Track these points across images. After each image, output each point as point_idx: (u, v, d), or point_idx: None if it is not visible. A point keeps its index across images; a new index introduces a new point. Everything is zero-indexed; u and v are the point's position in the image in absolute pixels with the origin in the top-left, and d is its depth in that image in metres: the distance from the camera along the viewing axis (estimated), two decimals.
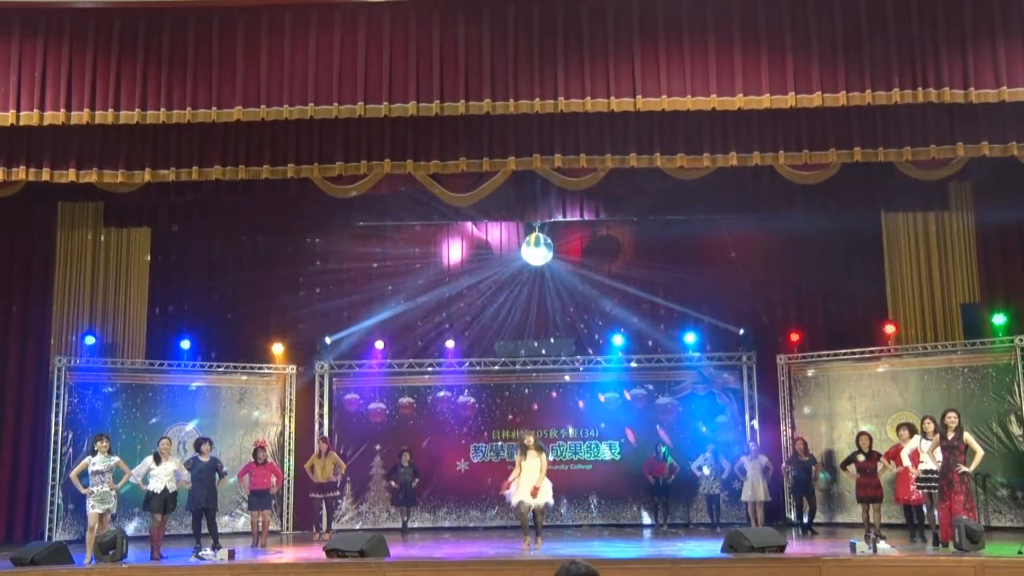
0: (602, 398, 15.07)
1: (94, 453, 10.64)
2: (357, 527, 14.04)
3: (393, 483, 14.09)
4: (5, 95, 9.29)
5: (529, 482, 11.25)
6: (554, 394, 15.19)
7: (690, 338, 15.00)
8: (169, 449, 11.20)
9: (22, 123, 9.35)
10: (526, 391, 15.14)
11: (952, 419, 10.00)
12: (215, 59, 9.43)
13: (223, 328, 15.07)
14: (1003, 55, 9.24)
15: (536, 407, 15.05)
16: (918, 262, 14.20)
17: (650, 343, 15.25)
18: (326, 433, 14.56)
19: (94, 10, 9.48)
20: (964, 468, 9.84)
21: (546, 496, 11.34)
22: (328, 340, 14.92)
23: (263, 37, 9.42)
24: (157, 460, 10.91)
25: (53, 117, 9.34)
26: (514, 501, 11.45)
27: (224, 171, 10.08)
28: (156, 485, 10.81)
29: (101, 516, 10.30)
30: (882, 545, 9.77)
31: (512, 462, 12.23)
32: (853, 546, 9.70)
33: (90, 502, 10.37)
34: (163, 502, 10.81)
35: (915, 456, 10.68)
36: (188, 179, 10.24)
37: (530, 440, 11.38)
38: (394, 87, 9.36)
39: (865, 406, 14.05)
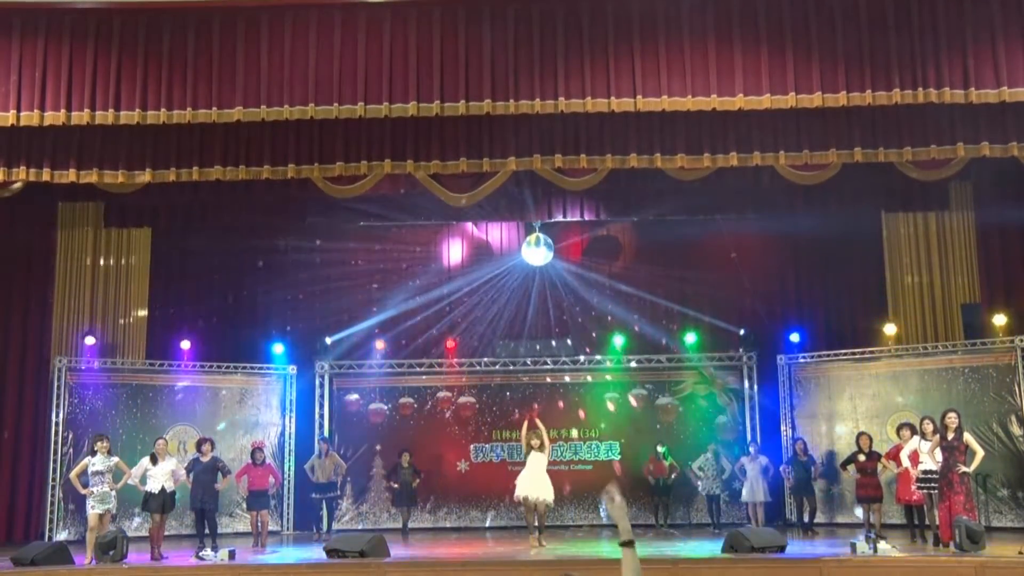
0: (603, 398, 15.07)
1: (94, 453, 10.65)
2: (358, 527, 14.03)
3: (393, 483, 14.08)
4: (5, 95, 9.29)
5: (531, 477, 11.43)
6: (554, 395, 15.17)
7: (690, 338, 15.00)
8: (166, 449, 11.19)
9: (22, 123, 9.35)
10: (526, 392, 15.14)
11: (952, 419, 9.99)
12: (215, 59, 9.43)
13: (223, 328, 15.06)
14: (1003, 55, 9.24)
15: (536, 407, 15.01)
16: (918, 262, 14.19)
17: (650, 343, 15.25)
18: (326, 434, 14.56)
19: (94, 10, 9.48)
20: (964, 468, 9.83)
21: (546, 493, 11.42)
22: (328, 341, 14.91)
23: (263, 37, 9.42)
24: (154, 460, 10.91)
25: (53, 117, 9.34)
26: (516, 495, 11.59)
27: (224, 171, 10.08)
28: (153, 485, 10.80)
29: (101, 516, 10.30)
30: (882, 545, 9.76)
31: (512, 462, 12.34)
32: (853, 546, 9.70)
33: (90, 502, 10.37)
34: (161, 502, 10.80)
35: (915, 456, 10.68)
36: (188, 179, 10.23)
37: (536, 441, 11.73)
38: (394, 87, 9.36)
39: (865, 406, 14.04)
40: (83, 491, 10.54)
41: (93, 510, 10.32)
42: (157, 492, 10.79)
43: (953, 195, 13.76)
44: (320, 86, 9.37)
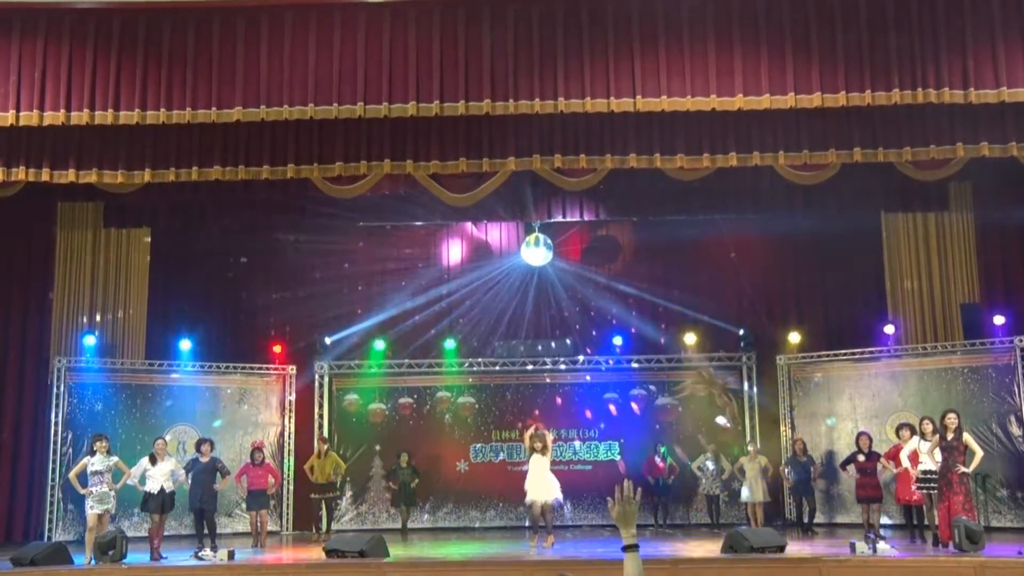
0: (602, 398, 15.07)
1: (93, 453, 10.66)
2: (357, 528, 14.03)
3: (392, 484, 14.08)
4: (5, 95, 9.27)
5: (536, 480, 11.41)
6: (554, 395, 15.19)
7: (690, 338, 15.00)
8: (165, 449, 11.19)
9: (22, 123, 9.33)
10: (526, 392, 15.14)
11: (951, 420, 10.00)
12: (215, 59, 9.42)
13: (223, 328, 15.08)
14: (1003, 55, 9.23)
15: (536, 408, 15.04)
16: (918, 262, 14.19)
17: (650, 343, 15.25)
18: (326, 434, 14.57)
19: (94, 10, 9.47)
20: (963, 469, 9.84)
21: (554, 493, 11.45)
22: (328, 341, 14.91)
23: (263, 37, 9.41)
24: (153, 461, 10.92)
25: (53, 117, 9.32)
26: (527, 500, 11.60)
27: (224, 171, 10.06)
28: (152, 486, 10.82)
29: (100, 516, 10.31)
30: (882, 545, 9.77)
31: (512, 462, 12.37)
32: (853, 546, 9.70)
33: (89, 502, 10.39)
34: (160, 502, 10.81)
35: (914, 457, 10.69)
36: (188, 179, 10.22)
37: (539, 444, 11.78)
38: (394, 87, 9.36)
39: (865, 406, 14.05)
40: (82, 491, 10.54)
41: (92, 510, 10.32)
42: (156, 492, 10.80)
43: (952, 195, 13.75)
44: (320, 86, 9.37)
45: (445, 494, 14.71)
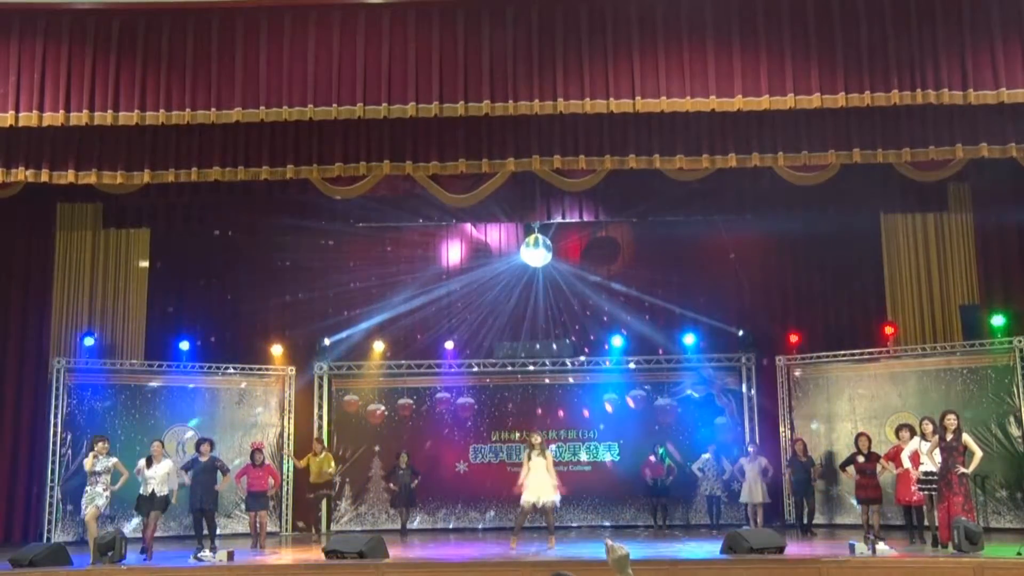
0: (602, 400, 15.08)
1: (93, 455, 10.67)
2: (356, 528, 14.02)
3: (392, 484, 14.09)
4: (4, 96, 9.27)
5: (537, 481, 11.41)
6: (553, 395, 15.19)
7: (689, 339, 15.01)
8: (162, 452, 11.18)
9: (21, 124, 9.33)
10: (525, 392, 15.15)
11: (951, 420, 10.01)
12: (214, 60, 9.42)
13: (222, 329, 15.07)
14: (1002, 56, 9.24)
15: (535, 408, 15.05)
16: (917, 263, 14.21)
17: (649, 344, 15.25)
18: (324, 435, 14.57)
19: (93, 11, 9.47)
20: (963, 469, 9.85)
21: (553, 494, 11.44)
22: (327, 342, 14.92)
23: (262, 38, 9.41)
24: (148, 463, 10.94)
25: (52, 118, 9.32)
26: (523, 500, 11.58)
27: (223, 172, 10.06)
28: (145, 488, 10.85)
29: (95, 511, 10.37)
30: (881, 546, 9.76)
31: (511, 463, 12.37)
32: (852, 547, 9.71)
33: (83, 502, 10.49)
34: (150, 505, 10.81)
35: (915, 457, 10.69)
36: (187, 180, 10.21)
37: (536, 440, 11.77)
38: (393, 88, 9.36)
39: (864, 407, 14.05)
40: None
41: (85, 509, 10.43)
42: (148, 495, 10.82)
43: (952, 196, 13.77)
44: (319, 87, 9.37)
45: (444, 495, 14.71)
